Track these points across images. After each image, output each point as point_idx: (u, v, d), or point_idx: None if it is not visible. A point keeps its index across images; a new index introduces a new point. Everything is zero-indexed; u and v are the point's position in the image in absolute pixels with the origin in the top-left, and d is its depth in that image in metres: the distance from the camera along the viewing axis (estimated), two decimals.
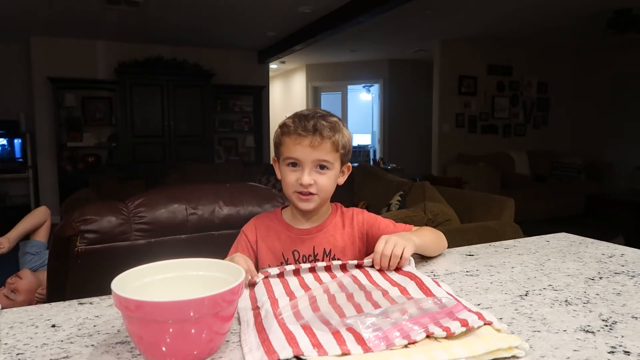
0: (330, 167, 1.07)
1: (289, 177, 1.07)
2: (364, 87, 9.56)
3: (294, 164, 1.07)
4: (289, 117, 1.09)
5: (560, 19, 5.49)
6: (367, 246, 1.17)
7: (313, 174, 1.06)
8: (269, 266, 1.12)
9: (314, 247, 1.12)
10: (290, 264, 1.10)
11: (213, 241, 1.47)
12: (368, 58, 8.19)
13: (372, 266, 0.96)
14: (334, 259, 1.12)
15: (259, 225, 1.16)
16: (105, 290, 0.71)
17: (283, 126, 1.08)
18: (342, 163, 1.10)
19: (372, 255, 0.98)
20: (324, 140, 1.04)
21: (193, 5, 4.79)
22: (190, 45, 6.70)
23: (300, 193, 1.07)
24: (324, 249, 1.12)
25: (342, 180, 1.13)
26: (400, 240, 0.95)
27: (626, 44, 6.11)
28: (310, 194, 1.06)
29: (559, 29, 6.04)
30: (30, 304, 1.94)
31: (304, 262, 1.10)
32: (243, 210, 1.53)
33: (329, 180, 1.07)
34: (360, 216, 1.17)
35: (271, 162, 1.20)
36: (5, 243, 2.03)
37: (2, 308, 0.77)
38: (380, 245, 0.95)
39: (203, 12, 5.02)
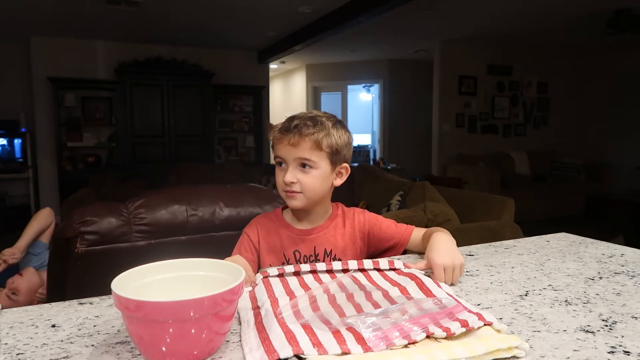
0: (313, 165, 1.06)
1: (278, 177, 1.09)
2: (363, 87, 9.55)
3: (280, 163, 1.09)
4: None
5: (561, 19, 5.49)
6: (369, 246, 1.17)
7: (296, 172, 1.06)
8: (270, 266, 1.13)
9: (314, 247, 1.12)
10: (291, 263, 1.11)
11: (214, 242, 1.46)
12: (368, 58, 8.19)
13: (374, 269, 0.96)
14: (334, 259, 1.12)
15: (260, 226, 1.17)
16: (106, 292, 0.71)
17: (269, 127, 1.11)
18: (333, 163, 1.08)
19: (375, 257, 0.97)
20: (303, 138, 1.04)
21: (193, 5, 4.79)
22: (190, 45, 6.70)
23: (287, 191, 1.08)
24: (325, 249, 1.13)
25: (339, 182, 1.12)
26: (456, 262, 0.91)
27: (626, 44, 6.11)
28: (294, 191, 1.06)
29: (559, 29, 6.03)
30: (31, 304, 1.94)
31: (305, 262, 1.11)
32: (244, 212, 1.53)
33: (313, 180, 1.06)
34: (362, 216, 1.17)
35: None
36: (18, 253, 2.05)
37: (3, 308, 0.77)
38: (440, 276, 0.89)
39: (203, 12, 5.02)
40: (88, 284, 1.32)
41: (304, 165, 1.06)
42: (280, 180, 1.08)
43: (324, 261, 1.11)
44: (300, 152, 1.04)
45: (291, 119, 1.08)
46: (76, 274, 1.32)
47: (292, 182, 1.05)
